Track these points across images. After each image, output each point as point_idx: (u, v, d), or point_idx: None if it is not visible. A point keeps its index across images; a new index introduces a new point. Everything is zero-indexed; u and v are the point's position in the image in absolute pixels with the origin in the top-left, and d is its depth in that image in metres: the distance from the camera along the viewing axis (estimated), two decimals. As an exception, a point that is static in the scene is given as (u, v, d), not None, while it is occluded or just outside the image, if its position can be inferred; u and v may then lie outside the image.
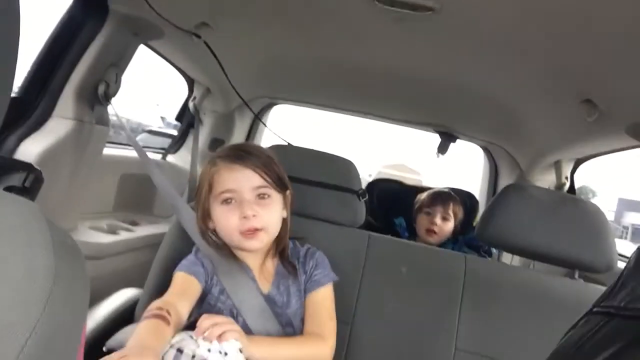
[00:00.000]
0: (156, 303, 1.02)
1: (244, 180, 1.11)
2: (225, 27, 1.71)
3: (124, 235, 2.00)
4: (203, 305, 1.17)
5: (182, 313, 1.04)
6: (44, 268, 0.46)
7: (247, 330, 1.11)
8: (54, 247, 0.48)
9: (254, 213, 1.10)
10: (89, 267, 1.66)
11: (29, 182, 0.64)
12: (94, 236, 1.82)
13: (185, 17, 1.61)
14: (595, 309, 0.53)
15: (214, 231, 1.18)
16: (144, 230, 2.16)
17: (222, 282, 1.16)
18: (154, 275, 1.34)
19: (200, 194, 1.17)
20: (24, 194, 0.62)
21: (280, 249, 1.22)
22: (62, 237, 0.51)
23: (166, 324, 0.96)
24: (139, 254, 2.03)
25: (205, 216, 1.17)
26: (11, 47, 0.58)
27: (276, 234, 1.18)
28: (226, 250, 1.19)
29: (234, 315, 1.15)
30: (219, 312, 1.15)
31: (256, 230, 1.11)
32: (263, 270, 1.21)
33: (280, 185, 1.15)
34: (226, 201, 1.12)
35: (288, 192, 1.21)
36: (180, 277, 1.14)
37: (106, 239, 1.86)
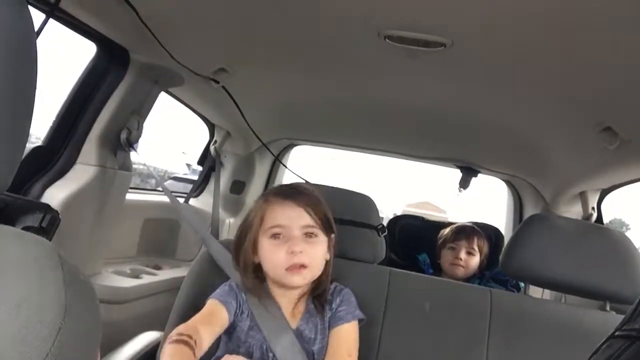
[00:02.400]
0: (179, 328, 1.04)
1: (295, 218, 1.14)
2: (242, 72, 1.76)
3: (147, 279, 2.01)
4: (232, 339, 1.18)
5: (204, 339, 1.05)
6: (55, 303, 0.47)
7: None
8: (65, 283, 0.49)
9: (300, 249, 1.12)
10: (112, 311, 1.67)
11: (46, 222, 0.66)
12: (117, 281, 1.84)
13: (204, 64, 1.66)
14: (616, 333, 0.52)
15: (257, 265, 1.20)
16: (166, 274, 2.17)
17: (254, 314, 1.18)
18: (175, 317, 1.34)
19: (250, 227, 1.20)
20: (41, 234, 0.64)
21: (318, 292, 1.23)
22: (74, 273, 0.52)
23: (190, 349, 0.98)
24: (162, 298, 2.04)
25: (253, 249, 1.19)
26: (28, 97, 0.61)
27: (318, 273, 1.20)
28: (260, 286, 1.21)
29: (264, 350, 1.15)
30: (249, 347, 1.17)
31: (301, 266, 1.14)
32: (294, 308, 1.23)
33: (327, 227, 1.19)
34: (275, 236, 1.15)
35: (333, 235, 1.23)
36: (211, 305, 1.16)
37: (129, 283, 1.88)
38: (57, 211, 0.68)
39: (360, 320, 1.23)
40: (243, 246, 1.20)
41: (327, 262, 1.22)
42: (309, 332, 1.20)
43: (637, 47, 1.13)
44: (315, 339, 1.19)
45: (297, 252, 1.12)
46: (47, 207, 0.67)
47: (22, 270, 0.47)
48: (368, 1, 1.19)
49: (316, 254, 1.16)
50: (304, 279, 1.16)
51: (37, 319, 0.45)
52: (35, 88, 0.62)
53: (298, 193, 1.17)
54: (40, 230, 0.65)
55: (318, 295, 1.23)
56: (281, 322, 1.18)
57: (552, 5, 1.05)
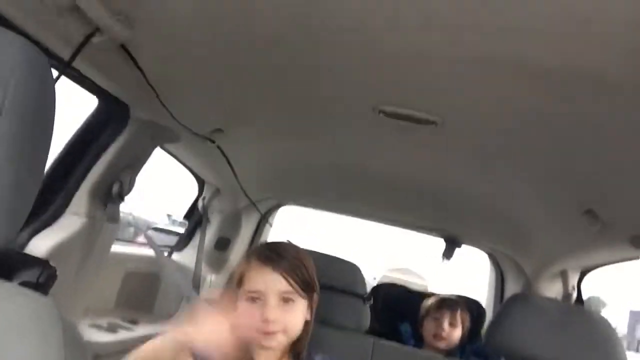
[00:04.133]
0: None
1: (271, 284, 1.15)
2: (237, 133, 1.80)
3: (123, 335, 1.96)
4: None
5: None
6: None
7: None
8: (65, 343, 0.49)
9: (274, 318, 1.13)
10: (86, 367, 1.59)
11: (43, 277, 0.66)
12: (93, 335, 1.79)
13: (202, 124, 1.70)
14: None
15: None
16: (143, 330, 2.11)
17: None
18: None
19: (232, 284, 1.22)
20: (38, 289, 0.64)
21: (297, 352, 1.23)
22: (72, 332, 0.52)
23: None
24: (137, 355, 1.98)
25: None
26: (43, 153, 0.63)
27: (296, 335, 1.19)
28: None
29: None
30: None
31: (275, 332, 1.14)
32: None
33: (306, 290, 1.19)
34: (252, 299, 1.16)
35: (315, 295, 1.23)
36: None
37: (106, 338, 1.83)
38: (54, 268, 0.68)
39: None
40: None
41: (307, 322, 1.22)
42: None
43: (621, 133, 1.19)
44: None
45: (270, 321, 1.13)
46: (45, 263, 0.68)
47: (24, 328, 0.48)
48: (364, 76, 1.25)
49: (292, 319, 1.16)
50: (277, 342, 1.16)
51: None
52: (50, 145, 0.64)
53: (278, 257, 1.17)
54: (37, 286, 0.65)
55: (297, 353, 1.23)
56: None
57: (537, 92, 1.12)
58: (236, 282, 1.19)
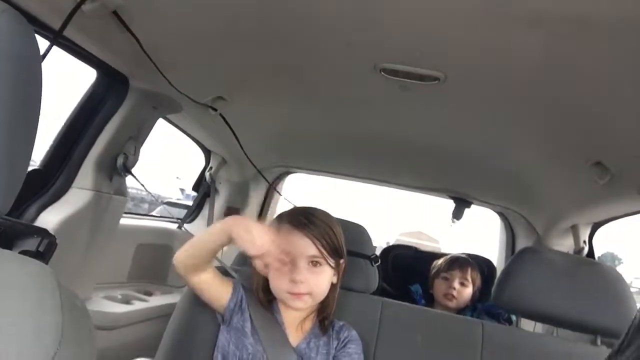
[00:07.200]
0: None
1: (300, 247, 1.19)
2: (239, 100, 1.79)
3: (137, 305, 1.99)
4: (232, 336, 1.21)
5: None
6: (52, 328, 0.47)
7: None
8: (63, 308, 0.49)
9: (302, 280, 1.18)
10: (102, 337, 1.65)
11: (43, 246, 0.66)
12: (108, 306, 1.83)
13: (202, 92, 1.69)
14: None
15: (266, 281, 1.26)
16: (157, 300, 2.15)
17: (257, 328, 1.21)
18: (166, 345, 1.32)
19: None
20: (38, 258, 0.64)
21: (323, 314, 1.27)
22: (71, 298, 0.52)
23: None
24: (152, 324, 2.02)
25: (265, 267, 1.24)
26: (32, 122, 0.62)
27: (322, 298, 1.24)
28: (270, 302, 1.26)
29: None
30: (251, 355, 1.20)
31: (302, 294, 1.18)
32: (298, 326, 1.26)
33: (334, 255, 1.22)
34: (282, 261, 1.18)
35: (342, 261, 1.27)
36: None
37: (120, 309, 1.86)
38: (54, 236, 0.68)
39: None
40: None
41: (333, 285, 1.26)
42: (308, 352, 1.22)
43: (624, 83, 1.16)
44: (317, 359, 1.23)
45: (298, 282, 1.17)
46: (44, 232, 0.68)
47: (20, 294, 0.48)
48: (365, 34, 1.23)
49: (319, 282, 1.21)
50: (305, 304, 1.21)
51: (34, 343, 0.45)
52: (39, 114, 0.64)
53: (309, 222, 1.21)
54: (37, 255, 0.65)
55: (324, 317, 1.27)
56: (282, 339, 1.21)
57: (539, 42, 1.09)
58: None
